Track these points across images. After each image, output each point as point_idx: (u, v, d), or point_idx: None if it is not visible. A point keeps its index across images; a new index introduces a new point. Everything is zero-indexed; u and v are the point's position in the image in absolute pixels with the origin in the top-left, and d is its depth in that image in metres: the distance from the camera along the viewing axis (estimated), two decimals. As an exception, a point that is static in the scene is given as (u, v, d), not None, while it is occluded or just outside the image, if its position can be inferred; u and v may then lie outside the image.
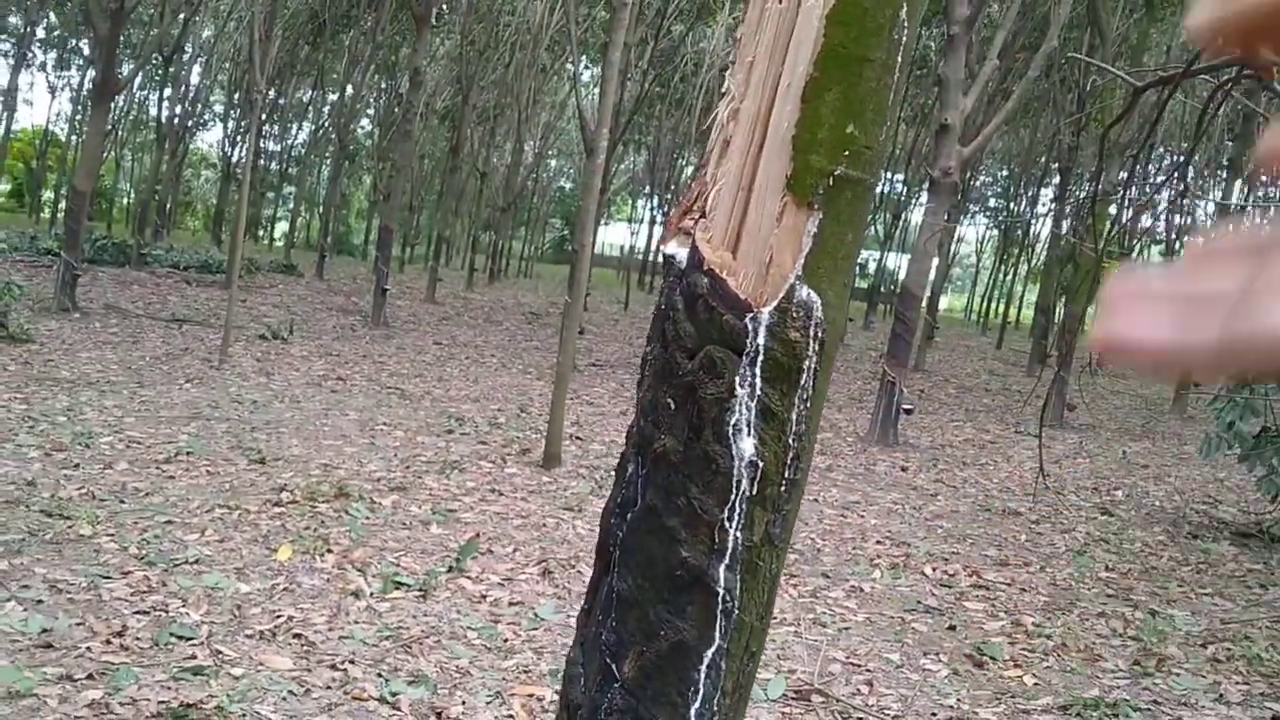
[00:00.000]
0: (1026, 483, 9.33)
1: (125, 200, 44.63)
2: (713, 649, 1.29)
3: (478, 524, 6.31)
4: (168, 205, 34.04)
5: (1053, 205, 28.92)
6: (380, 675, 4.09)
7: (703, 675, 1.29)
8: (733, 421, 1.23)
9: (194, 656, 4.02)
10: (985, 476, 9.80)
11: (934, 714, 4.20)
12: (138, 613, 4.37)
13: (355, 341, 14.99)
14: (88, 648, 3.94)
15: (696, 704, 1.30)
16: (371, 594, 4.96)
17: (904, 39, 1.24)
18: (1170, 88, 3.03)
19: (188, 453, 7.20)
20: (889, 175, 37.64)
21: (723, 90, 1.31)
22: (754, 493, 1.25)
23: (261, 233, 47.25)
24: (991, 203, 45.74)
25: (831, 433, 11.57)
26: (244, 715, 3.58)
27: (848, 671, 4.63)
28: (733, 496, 1.24)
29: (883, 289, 36.61)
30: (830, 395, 13.70)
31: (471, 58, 25.56)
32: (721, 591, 1.27)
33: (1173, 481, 10.65)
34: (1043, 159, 31.95)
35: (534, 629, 4.74)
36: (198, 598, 4.62)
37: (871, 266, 41.40)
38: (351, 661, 4.19)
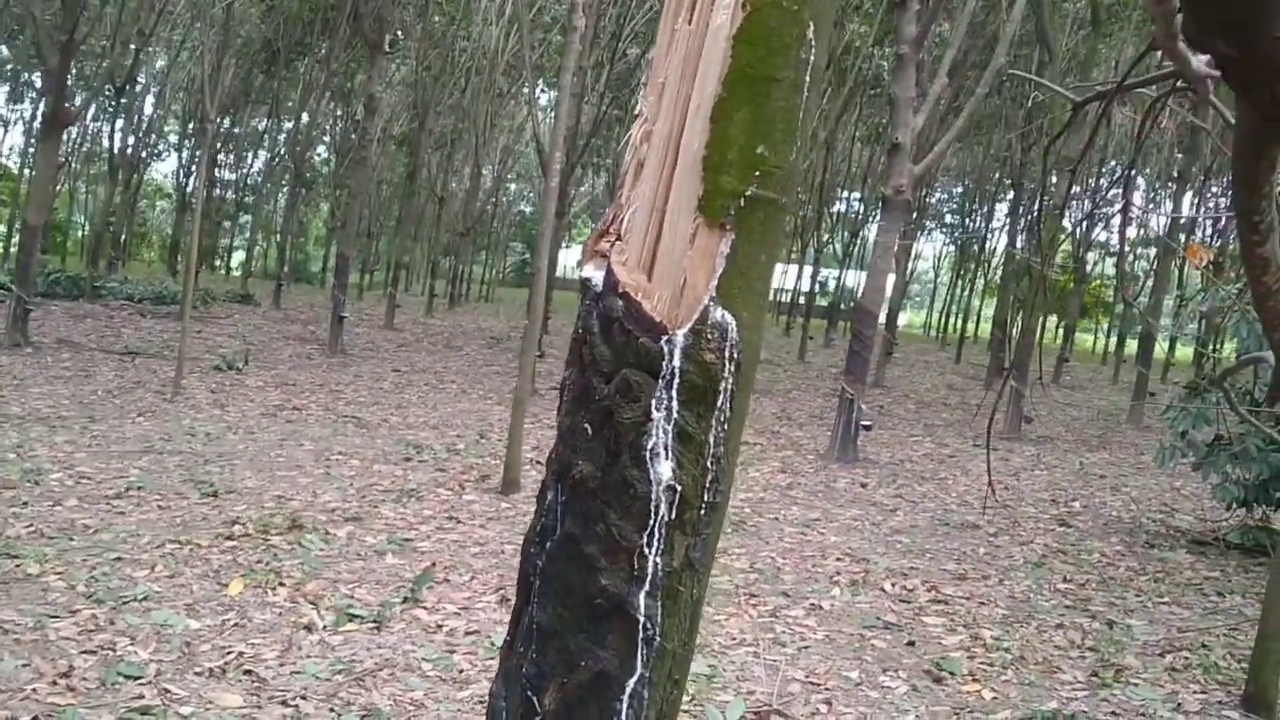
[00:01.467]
0: (985, 496, 9.38)
1: (80, 233, 44.07)
2: (634, 678, 1.27)
3: (434, 553, 6.25)
4: (123, 237, 33.66)
5: (1006, 220, 29.26)
6: (333, 710, 4.03)
7: (625, 705, 1.27)
8: (650, 445, 1.22)
9: (141, 696, 3.94)
10: (944, 490, 9.85)
11: (892, 732, 4.19)
12: (85, 652, 4.28)
13: (312, 370, 14.85)
14: (34, 689, 3.85)
15: (620, 735, 1.27)
16: (324, 627, 4.89)
17: (812, 58, 1.24)
18: (1106, 102, 3.07)
19: (139, 487, 7.09)
20: (845, 194, 37.97)
21: (635, 112, 1.30)
22: (673, 517, 1.24)
23: (219, 262, 46.80)
24: (948, 219, 46.20)
25: (792, 450, 11.59)
26: (192, 755, 3.51)
27: (807, 691, 4.61)
28: (651, 522, 1.23)
29: (842, 306, 36.81)
30: (790, 413, 13.78)
31: (427, 83, 25.54)
32: (642, 619, 1.25)
33: (1129, 491, 10.75)
34: (996, 175, 32.36)
35: (491, 658, 4.68)
36: (146, 635, 4.53)
37: (831, 284, 41.70)
38: (303, 697, 4.12)
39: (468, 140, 30.89)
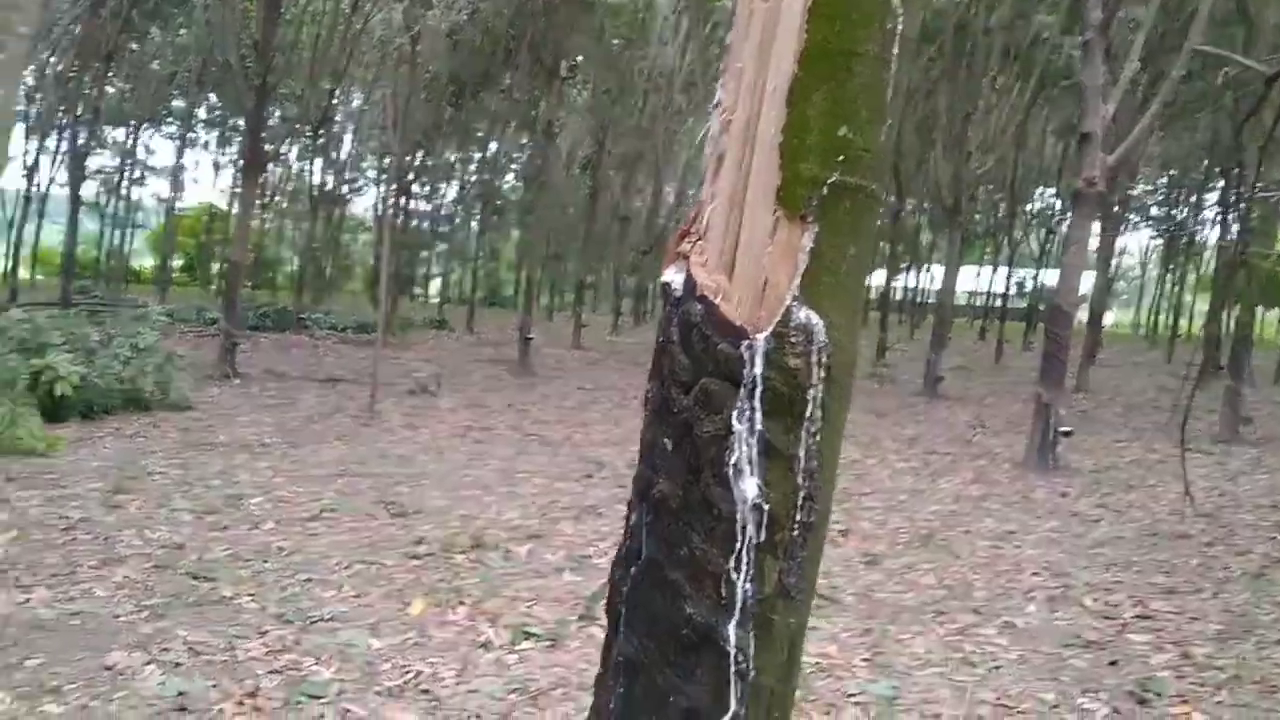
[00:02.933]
0: (1198, 503, 8.72)
1: (288, 268, 46.80)
2: (728, 717, 1.16)
3: (611, 569, 6.24)
4: (327, 270, 35.54)
5: (1218, 210, 27.39)
6: (506, 730, 4.03)
7: (719, 746, 1.17)
8: (732, 461, 1.12)
9: (323, 716, 4.04)
10: (1153, 499, 9.21)
11: (1090, 759, 3.90)
12: (271, 672, 4.43)
13: (500, 391, 15.23)
14: (220, 709, 4.01)
15: (715, 778, 1.17)
16: (500, 645, 4.93)
17: (899, 28, 1.12)
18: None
19: (332, 510, 7.37)
20: (1039, 190, 36.43)
21: (714, 102, 1.21)
22: (762, 539, 1.13)
23: (417, 290, 48.84)
24: (1153, 211, 43.54)
25: (986, 460, 11.11)
26: (368, 773, 3.57)
27: (998, 714, 4.34)
28: (738, 545, 1.12)
29: (1040, 307, 35.24)
30: (984, 419, 13.22)
31: (606, 106, 25.94)
32: (733, 652, 1.15)
33: (1368, 495, 9.80)
34: (1204, 162, 30.35)
35: (662, 677, 4.61)
36: (330, 655, 4.66)
37: (1028, 285, 40.10)
38: (478, 717, 4.15)
39: (649, 159, 31.23)
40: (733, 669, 1.16)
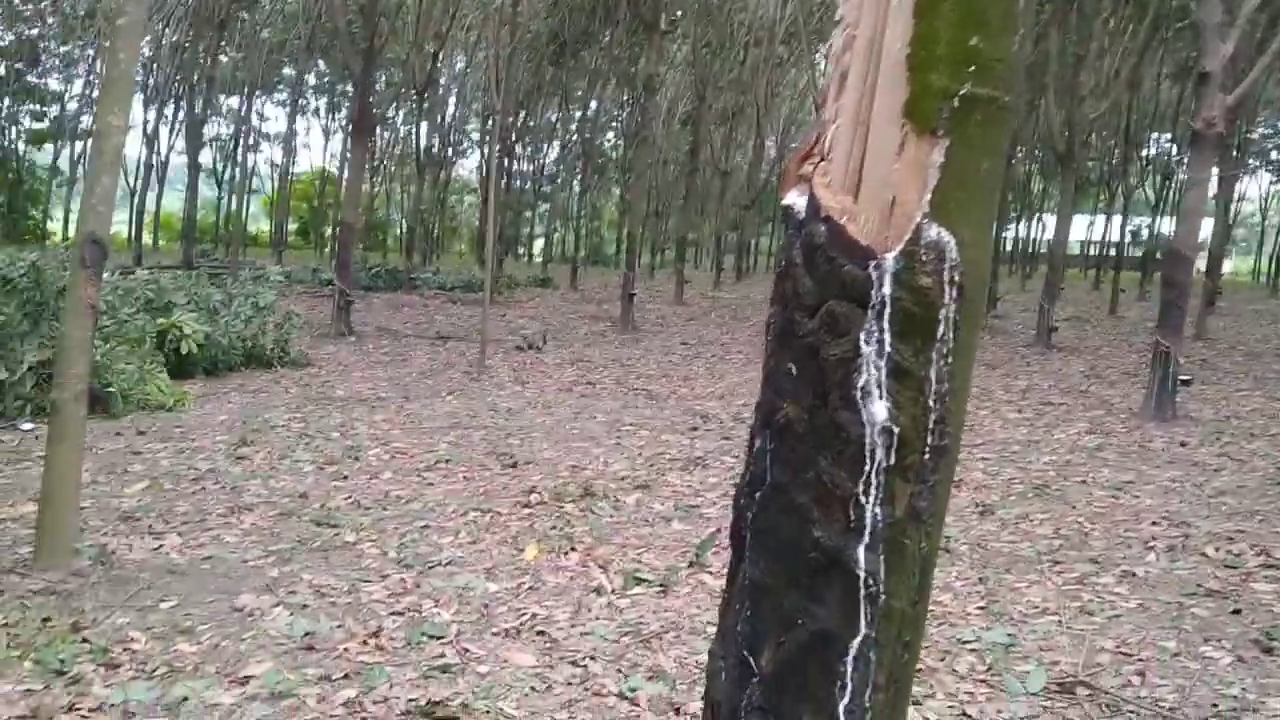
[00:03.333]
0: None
1: (398, 230, 47.69)
2: (859, 639, 1.15)
3: (720, 519, 6.25)
4: (434, 231, 36.08)
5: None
6: (620, 671, 4.09)
7: (849, 668, 1.16)
8: (860, 384, 1.10)
9: (443, 655, 4.16)
10: (1277, 448, 8.86)
11: (1215, 705, 3.79)
12: (393, 614, 4.58)
13: (604, 347, 15.33)
14: (345, 649, 4.15)
15: (845, 700, 1.17)
16: (613, 590, 5.00)
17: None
18: None
19: (446, 460, 7.54)
20: (1154, 136, 34.95)
21: (836, 18, 1.18)
22: (892, 463, 1.11)
23: (521, 250, 49.33)
24: (1274, 155, 41.39)
25: (1102, 410, 10.81)
26: (488, 712, 3.66)
27: (1117, 662, 4.25)
28: (867, 468, 1.11)
29: (1157, 256, 34.01)
30: (1099, 371, 12.88)
31: (706, 60, 25.68)
32: (863, 575, 1.13)
33: None
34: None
35: (774, 624, 4.62)
36: (449, 598, 4.79)
37: (1144, 233, 38.73)
38: (592, 658, 4.22)
39: (749, 113, 30.88)
40: (862, 592, 1.15)
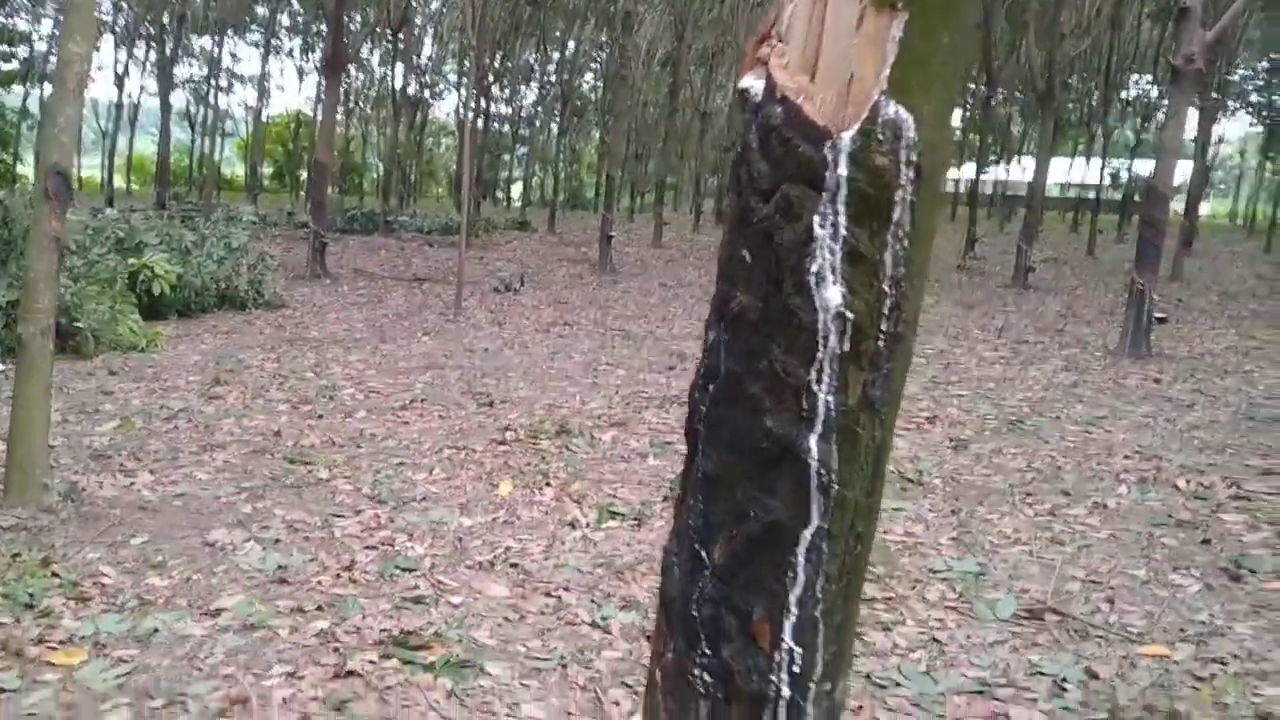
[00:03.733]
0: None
1: (374, 174, 47.19)
2: (811, 529, 1.14)
3: (695, 455, 6.26)
4: (411, 174, 35.71)
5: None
6: (593, 601, 4.10)
7: (801, 559, 1.14)
8: (814, 269, 1.07)
9: (416, 587, 4.16)
10: (1249, 384, 8.93)
11: (1182, 630, 3.83)
12: (367, 548, 4.57)
13: (583, 289, 15.27)
14: (318, 582, 4.14)
15: (797, 591, 1.15)
16: (587, 524, 5.00)
17: None
18: None
19: (422, 400, 7.51)
20: (1135, 77, 34.78)
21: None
22: (845, 350, 1.09)
23: (500, 193, 48.92)
24: (1253, 98, 41.26)
25: (1077, 348, 10.86)
26: (460, 640, 3.66)
27: (1086, 589, 4.29)
28: (820, 355, 1.08)
29: (1136, 198, 34.02)
30: (1076, 310, 12.93)
31: (685, -1, 25.33)
32: (815, 464, 1.11)
33: None
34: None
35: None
36: (423, 532, 4.78)
37: (1123, 175, 38.74)
38: (565, 589, 4.23)
39: (730, 54, 30.53)
40: (814, 482, 1.13)
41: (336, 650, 3.53)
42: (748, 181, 1.11)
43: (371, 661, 3.45)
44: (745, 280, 1.13)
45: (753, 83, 1.13)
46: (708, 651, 1.22)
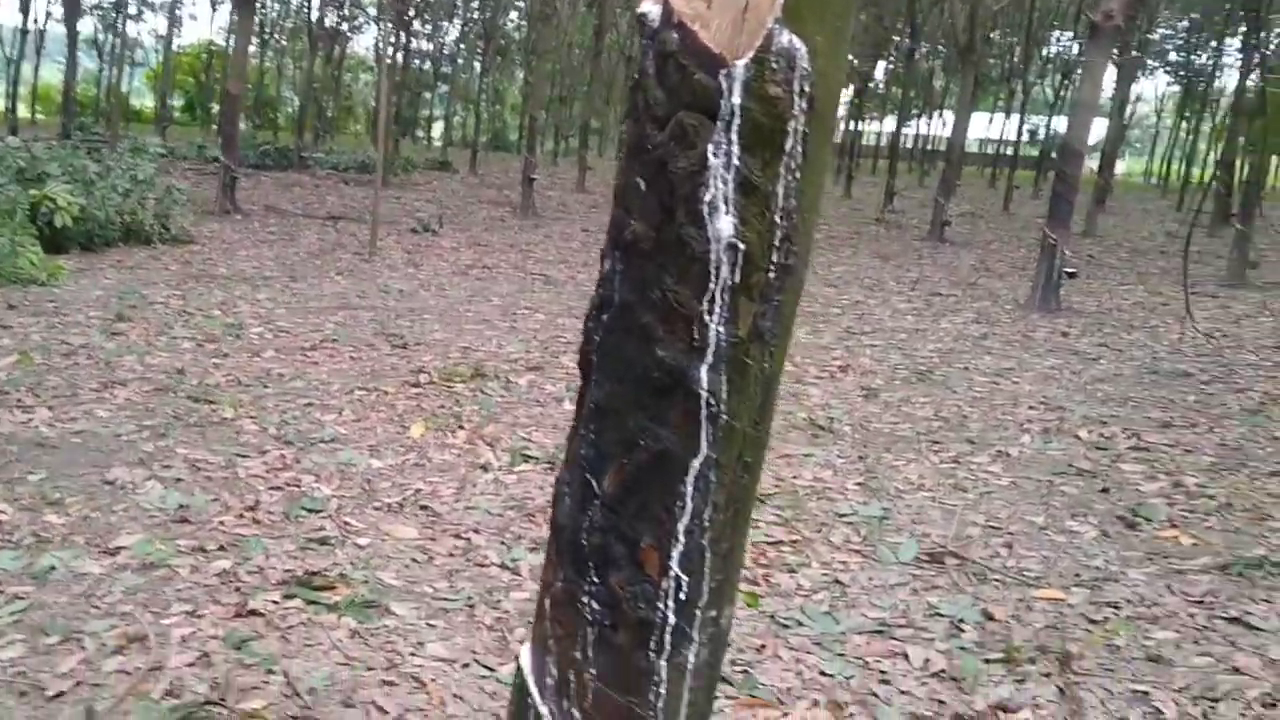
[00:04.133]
0: (1199, 343, 8.72)
1: (290, 109, 45.99)
2: (699, 459, 1.15)
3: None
4: (328, 110, 34.87)
5: (1239, 56, 26.56)
6: (503, 543, 4.11)
7: (689, 488, 1.15)
8: (707, 198, 1.06)
9: (322, 528, 4.12)
10: (1154, 339, 9.21)
11: (1078, 575, 3.97)
12: (271, 488, 4.50)
13: (504, 232, 15.13)
14: (221, 522, 4.08)
15: (684, 520, 1.16)
16: (500, 467, 4.99)
17: None
18: None
19: (333, 340, 7.39)
20: (1056, 35, 35.29)
21: None
22: (736, 281, 1.09)
23: (420, 132, 48.06)
24: (1171, 57, 42.20)
25: (989, 301, 11.09)
26: (366, 581, 3.64)
27: (986, 534, 4.41)
28: (711, 285, 1.08)
29: (1053, 155, 34.68)
30: (989, 264, 13.19)
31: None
32: (704, 394, 1.12)
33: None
34: (1226, 4, 29.30)
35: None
36: (330, 474, 4.73)
37: (1041, 132, 39.41)
38: (475, 530, 4.23)
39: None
40: (704, 412, 1.13)
41: (238, 590, 3.49)
42: (644, 108, 1.10)
43: (274, 601, 3.42)
44: (640, 209, 1.12)
45: (650, 8, 1.11)
46: (596, 580, 1.23)
